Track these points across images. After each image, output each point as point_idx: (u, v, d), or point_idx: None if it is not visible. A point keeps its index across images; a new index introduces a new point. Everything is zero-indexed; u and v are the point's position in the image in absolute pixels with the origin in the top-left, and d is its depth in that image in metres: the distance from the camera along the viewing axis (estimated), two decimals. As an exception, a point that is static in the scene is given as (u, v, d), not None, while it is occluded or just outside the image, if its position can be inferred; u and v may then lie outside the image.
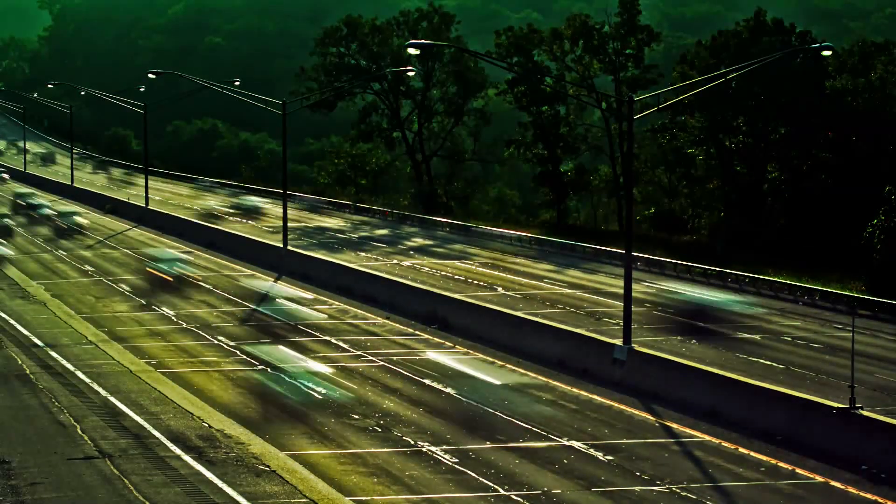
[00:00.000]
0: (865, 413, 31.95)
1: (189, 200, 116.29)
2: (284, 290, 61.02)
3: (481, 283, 64.27)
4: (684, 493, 28.60)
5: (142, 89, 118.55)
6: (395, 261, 73.48)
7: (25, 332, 49.32)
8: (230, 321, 52.43)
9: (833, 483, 29.61)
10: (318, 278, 64.59)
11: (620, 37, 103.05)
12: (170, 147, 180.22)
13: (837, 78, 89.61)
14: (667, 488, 28.97)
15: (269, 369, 42.06)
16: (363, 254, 77.05)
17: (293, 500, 27.44)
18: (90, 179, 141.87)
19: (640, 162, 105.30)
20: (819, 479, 29.99)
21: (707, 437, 33.73)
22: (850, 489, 29.18)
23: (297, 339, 48.23)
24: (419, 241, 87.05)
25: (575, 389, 39.67)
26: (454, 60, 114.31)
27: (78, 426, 33.72)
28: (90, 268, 69.69)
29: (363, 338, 48.72)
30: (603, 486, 29.04)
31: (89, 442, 32.07)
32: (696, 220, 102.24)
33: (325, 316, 53.38)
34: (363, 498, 28.12)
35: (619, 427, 34.95)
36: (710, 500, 28.23)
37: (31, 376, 40.68)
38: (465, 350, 46.27)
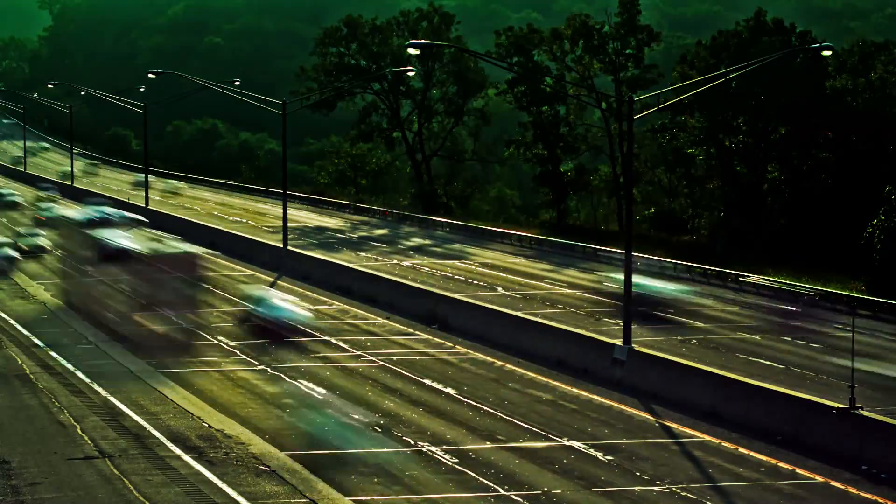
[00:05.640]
0: (865, 413, 31.94)
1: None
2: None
3: (481, 283, 64.26)
4: (684, 493, 28.59)
5: (142, 89, 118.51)
6: (394, 261, 73.50)
7: (25, 332, 49.31)
8: (230, 321, 52.42)
9: (833, 483, 29.62)
10: (318, 278, 64.60)
11: (620, 37, 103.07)
12: (170, 147, 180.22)
13: (837, 78, 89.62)
14: (667, 488, 28.97)
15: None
16: (363, 254, 77.07)
17: (293, 500, 27.45)
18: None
19: (640, 162, 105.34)
20: (819, 479, 30.00)
21: (707, 437, 33.73)
22: (850, 489, 29.18)
23: (296, 339, 48.21)
24: (419, 241, 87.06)
25: (575, 389, 39.67)
26: (454, 60, 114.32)
27: (78, 426, 33.72)
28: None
29: (363, 338, 48.72)
30: (603, 486, 29.04)
31: (89, 442, 32.07)
32: (696, 220, 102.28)
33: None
34: (363, 498, 28.11)
35: (619, 427, 34.94)
36: (710, 500, 28.23)
37: (31, 376, 40.67)
38: (466, 350, 46.28)
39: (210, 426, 33.79)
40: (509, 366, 43.37)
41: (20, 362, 43.12)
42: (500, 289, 62.55)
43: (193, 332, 48.39)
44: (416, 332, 49.98)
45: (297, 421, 34.63)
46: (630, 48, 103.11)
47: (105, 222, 70.00)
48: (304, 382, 40.06)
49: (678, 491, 28.77)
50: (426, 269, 69.95)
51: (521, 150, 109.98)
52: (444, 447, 32.18)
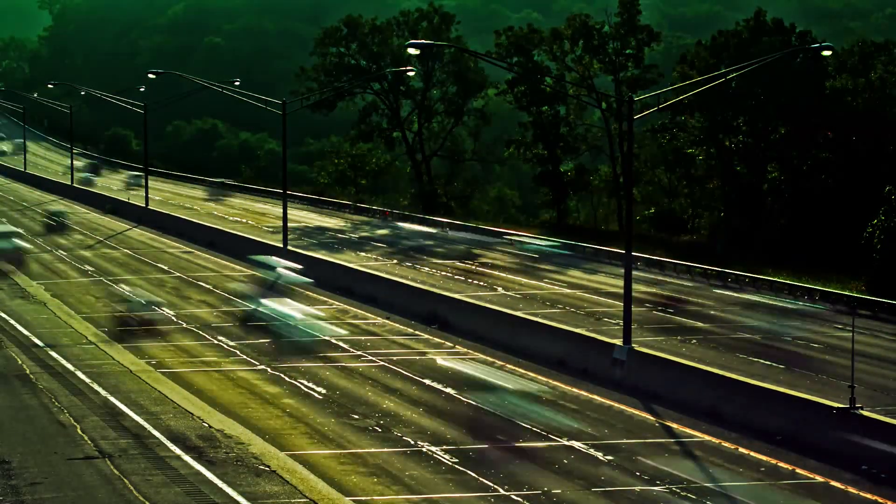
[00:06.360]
0: (865, 413, 31.94)
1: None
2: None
3: (481, 283, 64.26)
4: (684, 493, 28.58)
5: (142, 89, 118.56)
6: (394, 261, 73.49)
7: (25, 332, 49.29)
8: (230, 321, 52.41)
9: (833, 483, 29.60)
10: (319, 278, 64.53)
11: (620, 37, 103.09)
12: (170, 147, 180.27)
13: (837, 78, 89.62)
14: (667, 488, 28.96)
15: None
16: (363, 254, 77.05)
17: (293, 500, 27.44)
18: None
19: (640, 162, 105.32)
20: (819, 479, 29.99)
21: (707, 437, 33.72)
22: (850, 489, 29.17)
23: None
24: (419, 241, 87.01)
25: (575, 389, 39.66)
26: (454, 60, 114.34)
27: (78, 426, 33.71)
28: (90, 268, 69.67)
29: (363, 338, 48.72)
30: (603, 486, 29.03)
31: (89, 442, 32.06)
32: (696, 220, 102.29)
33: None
34: (363, 498, 28.11)
35: (619, 427, 34.93)
36: (710, 500, 28.21)
37: (31, 376, 40.67)
38: (465, 350, 46.27)
39: (210, 426, 33.78)
40: (509, 366, 43.36)
41: (20, 362, 43.12)
42: (500, 289, 62.55)
43: None
44: (417, 332, 49.98)
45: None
46: (630, 48, 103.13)
47: None
48: (304, 382, 40.06)
49: (678, 491, 28.76)
50: (426, 269, 69.94)
51: (521, 150, 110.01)
52: (444, 447, 32.17)
